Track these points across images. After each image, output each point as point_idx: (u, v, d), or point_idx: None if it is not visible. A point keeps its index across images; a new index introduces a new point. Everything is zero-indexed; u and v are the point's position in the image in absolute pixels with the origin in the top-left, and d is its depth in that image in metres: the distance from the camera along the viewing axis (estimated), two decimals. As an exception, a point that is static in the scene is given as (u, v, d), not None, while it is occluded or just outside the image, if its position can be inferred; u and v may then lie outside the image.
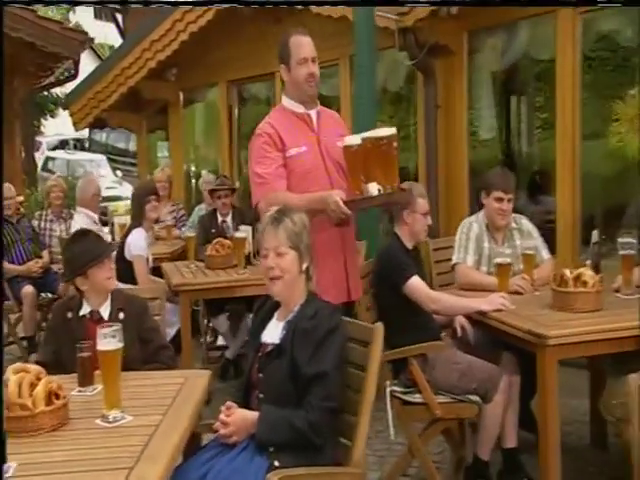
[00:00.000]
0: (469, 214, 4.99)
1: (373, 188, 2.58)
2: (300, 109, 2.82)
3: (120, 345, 1.99)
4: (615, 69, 4.88)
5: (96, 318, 2.54)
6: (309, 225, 2.21)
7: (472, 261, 3.55)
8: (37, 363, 2.58)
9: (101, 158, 20.32)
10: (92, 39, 9.41)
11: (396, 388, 3.16)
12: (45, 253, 5.93)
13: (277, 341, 2.13)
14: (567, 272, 3.03)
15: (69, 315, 2.55)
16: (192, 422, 1.99)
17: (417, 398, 3.09)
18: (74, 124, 8.34)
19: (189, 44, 6.54)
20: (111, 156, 20.05)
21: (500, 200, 3.52)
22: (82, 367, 2.16)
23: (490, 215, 3.59)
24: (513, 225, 3.67)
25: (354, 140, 2.62)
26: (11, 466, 1.66)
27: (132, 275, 4.42)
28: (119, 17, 19.04)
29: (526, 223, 3.71)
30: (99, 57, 23.29)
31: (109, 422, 1.94)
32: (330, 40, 4.91)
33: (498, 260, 3.33)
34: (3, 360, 1.86)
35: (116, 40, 19.33)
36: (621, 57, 4.71)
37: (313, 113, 2.84)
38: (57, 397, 1.95)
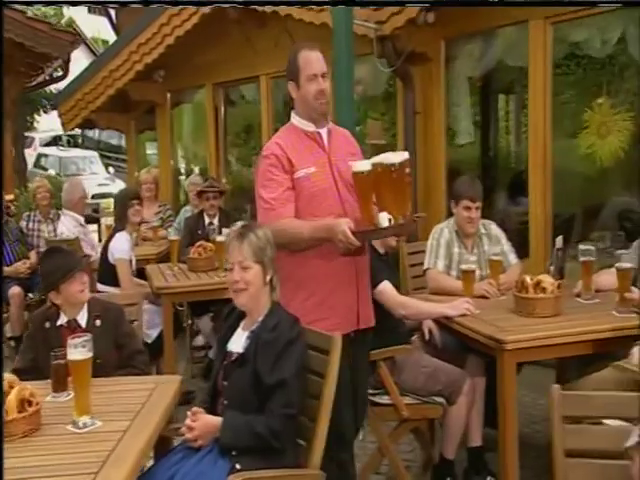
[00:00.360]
0: (446, 217, 5.14)
1: (384, 219, 2.40)
2: (310, 127, 2.62)
3: (90, 354, 2.11)
4: (585, 78, 5.01)
5: (73, 327, 2.67)
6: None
7: (442, 266, 3.68)
8: (16, 370, 2.72)
9: (93, 155, 20.36)
10: (81, 39, 9.50)
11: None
12: (32, 254, 6.02)
13: (241, 350, 2.25)
14: (527, 278, 3.17)
15: (47, 325, 2.67)
16: (159, 427, 2.11)
17: (385, 399, 3.22)
18: (63, 125, 8.44)
19: (175, 47, 6.63)
20: (104, 153, 20.11)
21: (468, 209, 3.65)
22: (56, 374, 2.28)
23: (459, 223, 3.72)
24: (482, 231, 3.80)
25: (364, 166, 2.44)
26: (-17, 471, 1.79)
27: (115, 277, 4.54)
28: (112, 12, 19.12)
29: (495, 229, 3.84)
30: (92, 52, 23.30)
31: (79, 428, 2.07)
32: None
33: (463, 267, 3.46)
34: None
35: (109, 35, 19.34)
36: (590, 67, 4.84)
37: (324, 132, 2.65)
38: (30, 404, 2.07)
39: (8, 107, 9.98)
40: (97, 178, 18.33)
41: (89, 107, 7.78)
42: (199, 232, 5.40)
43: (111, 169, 19.48)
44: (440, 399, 3.19)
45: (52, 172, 20.41)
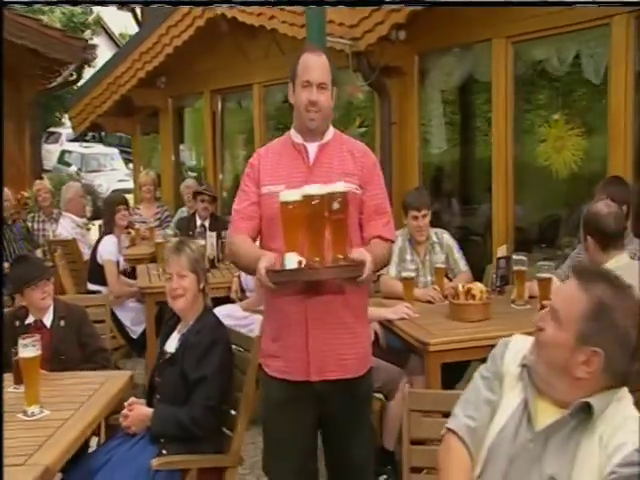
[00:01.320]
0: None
1: (290, 260, 2.04)
2: (298, 139, 2.31)
3: (38, 353, 2.47)
4: (544, 95, 5.23)
5: (39, 326, 3.03)
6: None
7: (394, 272, 3.97)
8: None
9: (114, 152, 20.96)
10: (93, 45, 9.93)
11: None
12: (38, 252, 6.42)
13: (173, 351, 2.59)
14: (460, 286, 3.45)
15: (17, 323, 3.03)
16: (98, 417, 2.46)
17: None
18: (73, 127, 8.87)
19: (175, 56, 6.98)
20: (124, 149, 20.64)
21: (415, 218, 3.94)
22: (16, 368, 2.63)
23: (410, 231, 4.01)
24: (434, 239, 4.08)
25: (291, 196, 2.10)
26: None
27: (104, 277, 4.92)
28: (137, 9, 19.57)
29: (447, 237, 4.12)
30: (119, 47, 23.85)
31: (28, 416, 2.42)
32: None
33: (403, 274, 3.74)
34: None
35: (135, 31, 19.86)
36: (548, 84, 5.06)
37: (313, 146, 2.30)
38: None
39: (24, 110, 10.49)
40: (117, 174, 18.91)
41: (96, 111, 8.19)
42: (190, 233, 5.74)
43: (131, 165, 20.00)
44: (379, 395, 3.49)
45: (74, 168, 21.12)
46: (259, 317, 3.54)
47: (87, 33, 25.56)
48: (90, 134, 23.03)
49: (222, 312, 4.28)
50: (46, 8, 24.23)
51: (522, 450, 1.58)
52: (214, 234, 5.34)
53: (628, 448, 1.47)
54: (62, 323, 3.07)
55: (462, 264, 4.07)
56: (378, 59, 5.20)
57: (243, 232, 2.30)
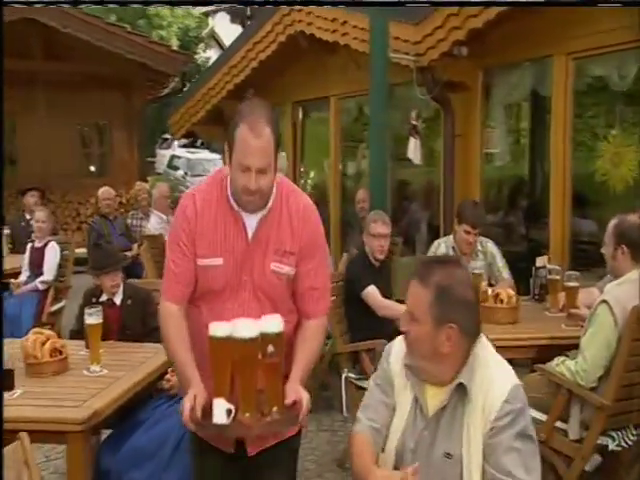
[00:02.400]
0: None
1: (219, 407, 1.82)
2: (235, 205, 2.02)
3: (100, 321, 2.94)
4: (603, 110, 5.26)
5: (110, 304, 3.53)
6: None
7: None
8: (71, 331, 3.66)
9: (218, 158, 22.06)
10: (194, 59, 10.77)
11: (352, 375, 3.92)
12: (135, 247, 7.09)
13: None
14: (489, 290, 3.65)
15: (93, 300, 3.55)
16: (145, 379, 2.89)
17: (366, 384, 3.82)
18: (172, 134, 9.62)
19: (260, 70, 7.50)
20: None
21: (468, 233, 4.14)
22: (86, 334, 3.12)
23: (458, 241, 4.21)
24: (479, 248, 4.27)
25: (221, 331, 1.85)
26: (17, 391, 2.65)
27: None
28: (248, 22, 20.65)
29: (491, 246, 4.30)
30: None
31: (90, 372, 2.90)
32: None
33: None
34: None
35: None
36: (608, 100, 5.09)
37: (251, 219, 2.03)
38: (60, 353, 2.93)
39: (134, 119, 11.48)
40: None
41: (191, 120, 8.88)
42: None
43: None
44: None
45: (181, 172, 22.48)
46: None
47: (201, 46, 27.10)
48: (199, 141, 24.44)
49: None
50: (164, 23, 25.99)
51: (420, 439, 1.81)
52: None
53: (498, 405, 1.72)
54: (129, 302, 3.56)
55: (505, 272, 4.23)
56: (441, 74, 5.44)
57: (179, 301, 2.05)
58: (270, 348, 1.82)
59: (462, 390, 1.78)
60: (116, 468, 2.72)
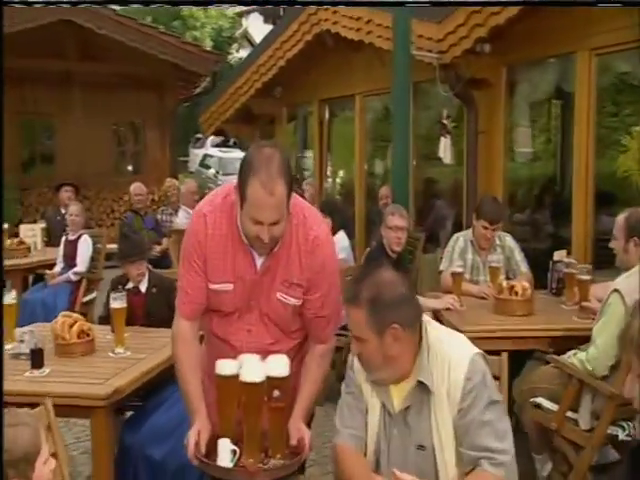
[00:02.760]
0: (502, 228, 5.64)
1: (224, 447, 1.85)
2: (245, 240, 2.04)
3: (124, 305, 3.09)
4: (626, 106, 5.23)
5: (136, 291, 3.69)
6: None
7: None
8: (100, 317, 3.82)
9: (249, 156, 22.28)
10: (225, 58, 10.94)
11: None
12: (164, 240, 7.28)
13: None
14: (504, 283, 3.69)
15: (119, 287, 3.70)
16: (166, 361, 3.00)
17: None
18: (202, 132, 9.82)
19: (288, 68, 7.65)
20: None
21: (485, 228, 4.18)
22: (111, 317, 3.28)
23: (476, 236, 4.26)
24: (497, 242, 4.31)
25: (228, 369, 1.89)
26: (46, 369, 2.81)
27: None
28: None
29: (509, 240, 4.34)
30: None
31: (114, 354, 3.05)
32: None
33: (452, 269, 4.02)
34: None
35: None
36: (631, 96, 5.07)
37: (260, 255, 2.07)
38: (87, 335, 3.08)
39: (167, 118, 11.71)
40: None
41: (220, 118, 9.07)
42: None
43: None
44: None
45: (213, 170, 22.80)
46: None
47: (234, 47, 27.42)
48: (232, 141, 24.77)
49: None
50: (198, 24, 26.39)
51: (391, 438, 1.86)
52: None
53: (460, 382, 1.76)
54: (154, 290, 3.71)
55: (523, 265, 4.26)
56: (464, 71, 5.49)
57: (193, 317, 2.15)
58: (276, 392, 1.84)
59: (423, 386, 1.81)
60: (137, 444, 2.85)
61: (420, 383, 1.80)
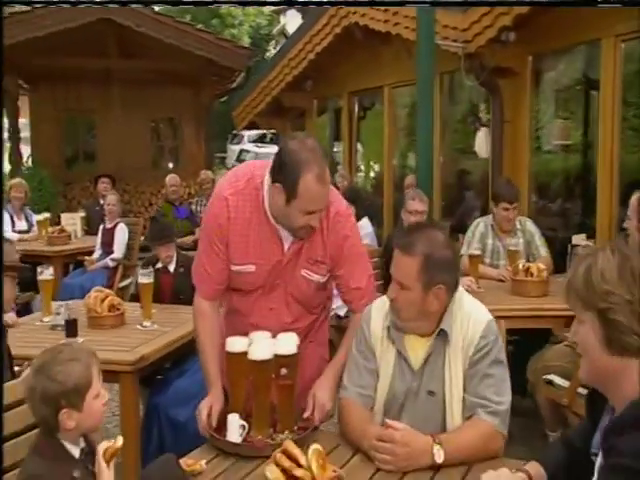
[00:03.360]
0: (527, 215, 5.69)
1: (233, 423, 1.88)
2: (274, 222, 2.09)
3: (151, 280, 3.28)
4: None
5: (165, 271, 3.89)
6: None
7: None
8: (132, 295, 4.03)
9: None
10: (256, 54, 11.11)
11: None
12: (197, 230, 7.51)
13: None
14: (520, 265, 3.76)
15: (150, 267, 3.90)
16: (188, 334, 3.17)
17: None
18: (236, 125, 10.03)
19: (317, 62, 7.79)
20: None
21: (506, 209, 4.26)
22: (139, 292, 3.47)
23: (498, 220, 4.33)
24: (518, 226, 4.38)
25: (237, 345, 1.95)
26: (80, 339, 3.01)
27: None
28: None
29: (530, 225, 4.41)
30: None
31: (142, 327, 3.25)
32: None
33: (469, 251, 4.10)
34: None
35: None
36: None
37: (288, 234, 2.11)
38: (118, 309, 3.29)
39: (202, 114, 11.96)
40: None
41: (253, 111, 9.27)
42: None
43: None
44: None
45: (249, 165, 23.11)
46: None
47: (272, 44, 27.70)
48: (268, 137, 25.06)
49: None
50: (236, 22, 26.76)
51: (409, 390, 1.92)
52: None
53: (476, 339, 1.87)
54: (182, 270, 3.90)
55: (543, 250, 4.32)
56: (489, 60, 5.54)
57: (213, 297, 2.21)
58: (283, 370, 1.88)
59: (444, 335, 1.91)
60: (163, 406, 3.05)
61: (442, 332, 1.91)
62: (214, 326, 2.20)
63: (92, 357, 1.69)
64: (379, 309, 2.02)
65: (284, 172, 1.96)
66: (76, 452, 1.64)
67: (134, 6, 9.54)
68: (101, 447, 1.60)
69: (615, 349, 1.33)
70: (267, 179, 2.05)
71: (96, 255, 6.24)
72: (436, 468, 1.73)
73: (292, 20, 31.30)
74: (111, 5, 9.38)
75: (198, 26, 11.59)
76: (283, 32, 30.77)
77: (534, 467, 1.59)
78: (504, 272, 4.12)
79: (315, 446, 1.51)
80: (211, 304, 2.21)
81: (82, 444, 1.67)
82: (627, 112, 5.02)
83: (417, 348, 1.95)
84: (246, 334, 1.99)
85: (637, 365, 1.33)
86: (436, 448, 1.72)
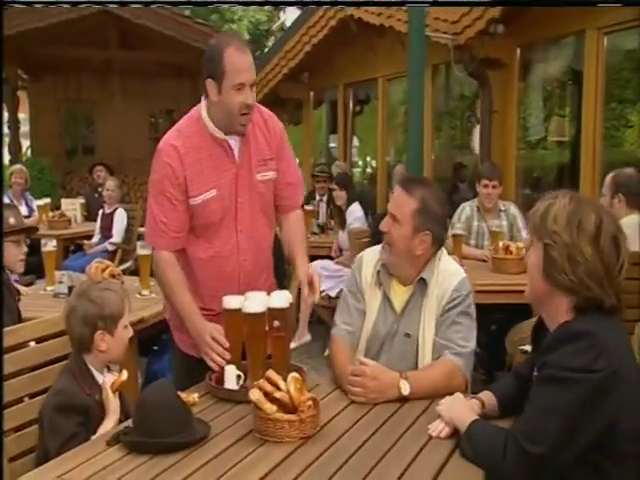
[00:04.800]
0: (515, 201, 5.87)
1: (230, 373, 2.02)
2: (219, 134, 2.18)
3: (149, 252, 3.43)
4: (634, 83, 5.39)
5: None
6: None
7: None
8: (131, 271, 4.21)
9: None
10: (257, 47, 11.24)
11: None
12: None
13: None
14: (500, 244, 3.95)
15: (147, 243, 4.09)
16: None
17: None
18: (233, 117, 10.19)
19: (314, 54, 7.96)
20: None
21: (486, 186, 4.48)
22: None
23: (480, 198, 4.55)
24: (501, 208, 4.58)
25: (232, 303, 2.06)
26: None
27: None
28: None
29: (513, 208, 4.61)
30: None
31: (141, 295, 3.43)
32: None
33: (452, 231, 4.28)
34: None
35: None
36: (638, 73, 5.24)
37: (234, 141, 2.20)
38: (118, 279, 3.47)
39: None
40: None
41: (251, 103, 9.42)
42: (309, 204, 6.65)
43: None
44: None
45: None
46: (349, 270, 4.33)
47: (271, 39, 27.84)
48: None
49: (318, 265, 5.13)
50: (235, 17, 26.88)
51: (390, 329, 2.17)
52: (324, 205, 6.21)
53: (449, 291, 2.10)
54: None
55: (524, 232, 4.50)
56: (478, 51, 5.71)
57: (172, 248, 2.21)
58: (276, 322, 1.98)
59: (423, 284, 2.15)
60: (161, 370, 3.24)
61: (421, 280, 2.13)
62: (180, 272, 2.21)
63: (124, 292, 1.93)
64: (371, 257, 2.26)
65: (210, 62, 2.10)
66: (100, 379, 1.86)
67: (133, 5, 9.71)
68: (108, 379, 1.82)
69: (549, 279, 1.56)
70: (202, 99, 2.21)
71: (95, 239, 6.42)
72: (403, 400, 1.91)
73: (292, 16, 31.47)
74: (111, 5, 9.55)
75: (196, 20, 11.74)
76: (282, 28, 30.90)
77: (487, 395, 1.79)
78: (487, 252, 4.31)
79: (293, 374, 1.69)
80: (172, 255, 2.21)
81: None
82: (610, 105, 5.20)
83: (399, 294, 2.18)
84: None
85: (565, 301, 1.54)
86: (402, 382, 1.91)
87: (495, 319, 4.28)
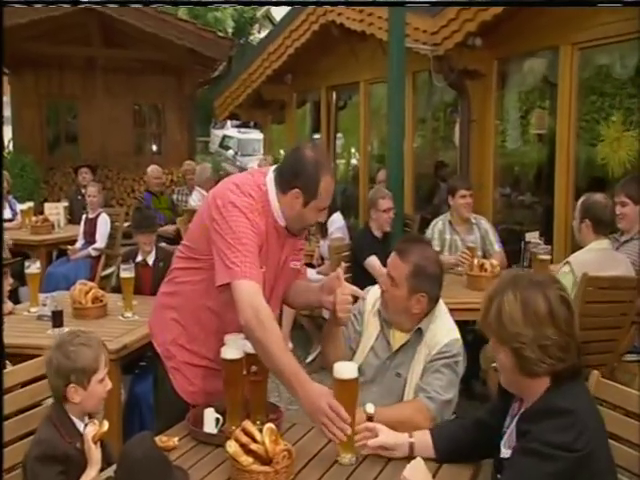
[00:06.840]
0: (493, 211, 6.03)
1: (208, 415, 2.09)
2: (282, 222, 2.24)
3: (132, 275, 3.54)
4: (607, 97, 5.53)
5: (144, 264, 4.14)
6: None
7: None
8: (112, 288, 4.29)
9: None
10: (239, 43, 11.25)
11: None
12: (179, 220, 7.74)
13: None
14: (475, 261, 4.08)
15: (129, 260, 4.15)
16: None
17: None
18: (216, 116, 10.23)
19: (297, 56, 8.00)
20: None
21: (464, 197, 4.60)
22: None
23: (458, 210, 4.67)
24: (473, 221, 4.71)
25: (233, 354, 2.08)
26: (65, 328, 3.27)
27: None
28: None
29: (484, 222, 4.77)
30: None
31: (124, 317, 3.51)
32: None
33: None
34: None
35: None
36: (612, 87, 5.37)
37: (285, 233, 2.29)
38: (100, 301, 3.55)
39: (184, 102, 12.13)
40: (267, 159, 20.58)
41: (234, 103, 9.47)
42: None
43: (282, 151, 21.62)
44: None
45: (232, 152, 23.18)
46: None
47: (255, 27, 27.66)
48: (252, 122, 25.08)
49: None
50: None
51: (382, 363, 2.33)
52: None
53: (441, 345, 2.23)
54: (161, 264, 4.14)
55: (496, 246, 4.66)
56: (457, 62, 5.81)
57: (260, 281, 2.11)
58: (254, 367, 2.04)
59: (419, 333, 2.30)
60: (143, 393, 3.34)
61: (419, 329, 2.28)
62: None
63: (102, 347, 2.04)
64: (375, 291, 2.43)
65: (304, 177, 2.17)
66: (81, 427, 1.95)
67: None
68: (89, 431, 1.90)
69: (526, 374, 1.64)
70: (271, 187, 2.20)
71: (78, 244, 6.46)
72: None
73: (280, 10, 31.31)
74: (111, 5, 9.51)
75: (179, 15, 11.71)
76: (267, 15, 30.72)
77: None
78: (459, 257, 4.43)
79: (269, 425, 1.80)
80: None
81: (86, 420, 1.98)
82: (583, 116, 5.33)
83: (397, 336, 2.34)
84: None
85: (545, 380, 1.64)
86: (369, 405, 2.00)
87: (471, 330, 4.43)
